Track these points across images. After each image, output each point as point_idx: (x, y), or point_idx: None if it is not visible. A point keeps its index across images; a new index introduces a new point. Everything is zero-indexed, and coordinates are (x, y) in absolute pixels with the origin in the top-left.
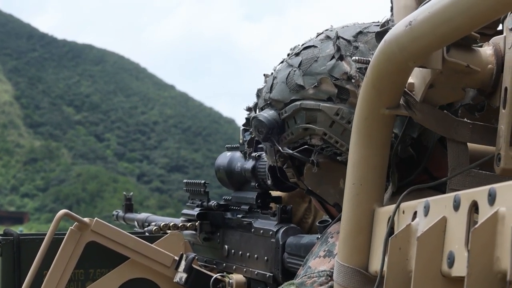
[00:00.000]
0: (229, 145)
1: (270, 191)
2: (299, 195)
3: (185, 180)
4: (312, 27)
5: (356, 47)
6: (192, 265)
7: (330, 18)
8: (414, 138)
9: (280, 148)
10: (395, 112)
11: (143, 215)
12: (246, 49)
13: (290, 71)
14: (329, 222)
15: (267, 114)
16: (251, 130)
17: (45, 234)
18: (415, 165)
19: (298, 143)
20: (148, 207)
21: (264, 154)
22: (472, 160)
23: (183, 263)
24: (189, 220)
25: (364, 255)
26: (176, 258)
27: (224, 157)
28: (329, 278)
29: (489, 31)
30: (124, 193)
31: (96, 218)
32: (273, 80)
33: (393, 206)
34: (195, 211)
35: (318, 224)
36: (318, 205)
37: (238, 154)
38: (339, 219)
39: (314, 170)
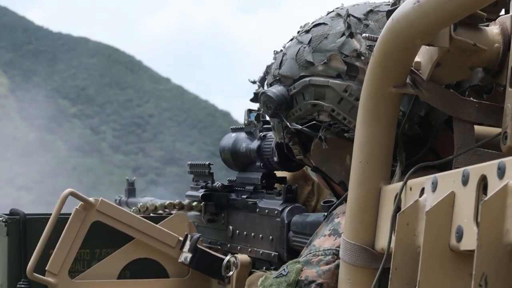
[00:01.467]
0: (234, 127)
1: (275, 172)
2: (302, 178)
3: (189, 162)
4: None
5: (367, 25)
6: (197, 245)
7: (325, 11)
8: (421, 117)
9: (288, 123)
10: (401, 90)
11: (146, 199)
12: (241, 42)
13: (300, 48)
14: (334, 202)
15: (275, 89)
16: (259, 106)
17: (51, 214)
18: (422, 145)
19: (306, 119)
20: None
21: (272, 131)
22: (477, 141)
23: (187, 243)
24: (191, 202)
25: (371, 232)
26: (181, 238)
27: (229, 138)
28: (335, 256)
29: (492, 16)
30: (127, 177)
31: (101, 198)
32: (283, 56)
33: (399, 184)
34: (200, 193)
35: (322, 204)
36: (324, 183)
37: (243, 135)
38: (345, 199)
39: (324, 146)
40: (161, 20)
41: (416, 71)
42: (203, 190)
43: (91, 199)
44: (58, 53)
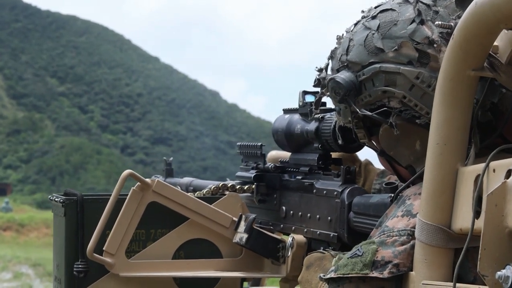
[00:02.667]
0: (286, 108)
1: (331, 153)
2: (350, 159)
3: (239, 143)
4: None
5: (436, 12)
6: (253, 225)
7: None
8: (493, 103)
9: (357, 109)
10: (480, 73)
11: (186, 180)
12: (230, 21)
13: (368, 34)
14: (396, 184)
15: (344, 75)
16: (322, 90)
17: (107, 195)
18: (489, 130)
19: (375, 105)
20: (132, 179)
21: (336, 115)
22: None
23: (242, 223)
24: (244, 183)
25: (447, 213)
26: (235, 219)
27: (282, 120)
28: (410, 237)
29: None
30: (164, 158)
31: (157, 179)
32: (349, 42)
33: (479, 165)
34: (251, 173)
35: (385, 186)
36: (388, 166)
37: (296, 116)
38: (412, 182)
39: (396, 132)
40: None
41: (494, 55)
42: (255, 171)
43: (147, 180)
44: (46, 31)
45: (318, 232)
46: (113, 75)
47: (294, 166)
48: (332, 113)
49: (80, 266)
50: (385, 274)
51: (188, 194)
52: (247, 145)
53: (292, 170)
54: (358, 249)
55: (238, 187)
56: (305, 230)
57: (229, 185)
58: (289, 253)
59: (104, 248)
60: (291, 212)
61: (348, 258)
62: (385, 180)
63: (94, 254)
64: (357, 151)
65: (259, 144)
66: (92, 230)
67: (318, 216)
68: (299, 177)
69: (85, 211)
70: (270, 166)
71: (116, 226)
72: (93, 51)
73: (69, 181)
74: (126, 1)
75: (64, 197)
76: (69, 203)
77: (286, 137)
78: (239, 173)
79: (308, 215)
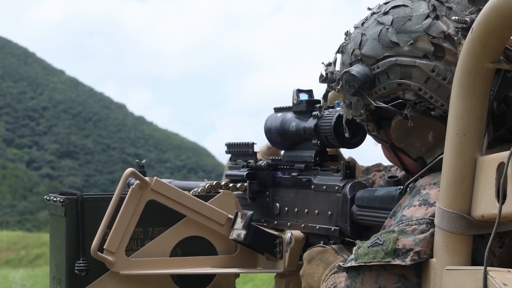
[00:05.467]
0: (277, 106)
1: (327, 149)
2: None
3: (227, 142)
4: (198, 7)
5: (450, 8)
6: (251, 222)
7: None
8: (507, 95)
9: (372, 101)
10: (498, 66)
11: (165, 181)
12: (132, 31)
13: (381, 29)
14: (398, 177)
15: (358, 69)
16: (331, 84)
17: (106, 194)
18: (498, 122)
19: (389, 98)
20: (38, 193)
21: (344, 109)
22: None
23: (239, 220)
24: (233, 181)
25: (467, 201)
26: (230, 216)
27: (275, 118)
28: (429, 225)
29: None
30: (137, 160)
31: (155, 177)
32: (362, 36)
33: (502, 154)
34: (243, 171)
35: (388, 179)
36: (393, 159)
37: (290, 114)
38: (422, 175)
39: (410, 124)
40: (50, 8)
41: (510, 48)
42: (246, 169)
43: (146, 178)
44: None
45: (317, 227)
46: (17, 89)
47: (288, 163)
48: (330, 110)
49: (81, 264)
50: (408, 261)
51: (185, 192)
52: (237, 144)
53: (286, 168)
54: (378, 238)
55: (231, 185)
56: (303, 225)
57: (222, 183)
58: (288, 248)
59: (105, 247)
60: (286, 208)
61: (368, 247)
62: (370, 177)
63: (98, 253)
64: (357, 146)
65: (251, 142)
66: (92, 229)
67: (316, 211)
68: (295, 174)
69: (85, 210)
70: (262, 164)
71: (116, 224)
72: None
73: None
74: (25, 12)
75: (64, 197)
76: (69, 203)
77: (280, 135)
78: (229, 172)
79: (306, 210)
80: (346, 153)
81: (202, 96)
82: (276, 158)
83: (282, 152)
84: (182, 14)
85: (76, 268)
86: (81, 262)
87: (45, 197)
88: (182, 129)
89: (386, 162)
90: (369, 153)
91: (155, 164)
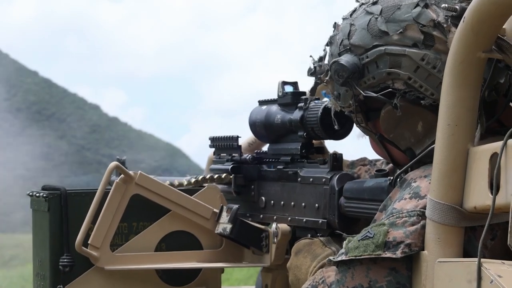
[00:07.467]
0: (262, 99)
1: (313, 141)
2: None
3: (211, 136)
4: (171, 7)
5: None
6: (237, 216)
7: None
8: (498, 83)
9: (361, 91)
10: (490, 55)
11: None
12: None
13: (371, 18)
14: (386, 171)
15: (347, 58)
16: (319, 76)
17: (90, 189)
18: (488, 113)
19: (378, 87)
20: (12, 194)
21: (332, 100)
22: None
23: (224, 214)
24: (222, 175)
25: (459, 192)
26: (216, 210)
27: (260, 111)
28: (420, 217)
29: None
30: (118, 157)
31: (140, 171)
32: (350, 27)
33: (494, 144)
34: (227, 165)
35: (376, 173)
36: (381, 152)
37: (275, 107)
38: (411, 167)
39: (398, 113)
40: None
41: (502, 37)
42: (231, 163)
43: (130, 172)
44: None
45: (304, 220)
46: None
47: (273, 156)
48: (316, 101)
49: (65, 260)
50: (398, 254)
51: (170, 186)
52: (221, 138)
53: (272, 161)
54: (368, 232)
55: (216, 176)
56: (289, 218)
57: (207, 177)
58: (274, 241)
59: (89, 242)
60: (272, 202)
61: (358, 241)
62: (355, 171)
63: (83, 248)
64: (343, 137)
65: (235, 136)
66: (76, 224)
67: (303, 204)
68: (280, 167)
69: (69, 205)
70: (247, 158)
71: (101, 219)
72: None
73: None
74: None
75: (47, 192)
76: (53, 198)
77: (265, 128)
78: (213, 166)
79: (292, 203)
80: (330, 147)
81: (176, 96)
82: (261, 151)
83: (264, 147)
84: (155, 13)
85: (60, 263)
86: (65, 257)
87: (28, 192)
88: (156, 129)
89: (370, 156)
90: (353, 147)
91: (130, 165)
